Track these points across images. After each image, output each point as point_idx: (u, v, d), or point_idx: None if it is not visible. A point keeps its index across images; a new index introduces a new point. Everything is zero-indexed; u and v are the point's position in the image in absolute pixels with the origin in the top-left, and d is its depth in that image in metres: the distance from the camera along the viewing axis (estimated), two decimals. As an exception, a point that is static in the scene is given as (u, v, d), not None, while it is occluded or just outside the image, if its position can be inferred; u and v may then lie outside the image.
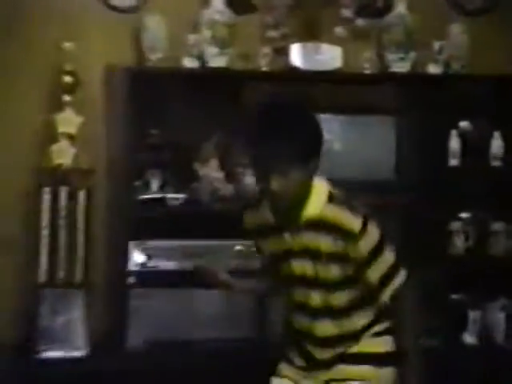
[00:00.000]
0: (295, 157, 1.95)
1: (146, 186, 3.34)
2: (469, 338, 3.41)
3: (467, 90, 3.49)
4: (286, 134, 1.95)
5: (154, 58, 3.28)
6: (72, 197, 3.23)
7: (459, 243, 3.46)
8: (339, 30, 3.39)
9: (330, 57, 3.36)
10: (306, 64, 3.36)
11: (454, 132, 3.45)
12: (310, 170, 2.01)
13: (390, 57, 3.47)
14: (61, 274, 3.21)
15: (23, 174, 3.30)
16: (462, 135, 3.45)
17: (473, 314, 3.42)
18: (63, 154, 3.24)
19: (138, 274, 3.24)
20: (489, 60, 3.52)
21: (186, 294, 3.24)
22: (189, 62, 3.28)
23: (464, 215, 3.49)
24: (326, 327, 2.11)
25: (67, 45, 3.24)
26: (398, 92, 3.49)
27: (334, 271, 2.05)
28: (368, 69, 3.43)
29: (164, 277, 3.24)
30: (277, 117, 2.00)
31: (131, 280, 3.23)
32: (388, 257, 2.07)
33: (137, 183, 3.32)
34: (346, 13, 3.39)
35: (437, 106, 3.45)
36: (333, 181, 2.05)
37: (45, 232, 3.20)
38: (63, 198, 3.22)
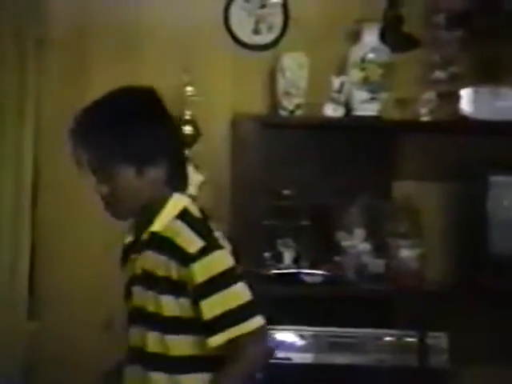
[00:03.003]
0: (121, 156, 1.86)
1: (277, 259, 3.08)
2: None
3: None
4: (112, 124, 1.87)
5: (290, 104, 3.01)
6: None
7: None
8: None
9: (513, 103, 3.06)
10: (482, 113, 3.02)
11: None
12: (152, 177, 1.89)
13: None
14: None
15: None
16: None
17: None
18: None
19: (265, 366, 2.98)
20: None
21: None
22: (331, 110, 3.01)
23: None
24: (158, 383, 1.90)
25: (188, 89, 3.01)
26: None
27: (166, 304, 1.86)
28: None
29: (298, 372, 2.94)
30: (106, 104, 1.91)
31: (258, 375, 2.96)
32: (238, 294, 1.85)
33: (266, 255, 3.08)
34: (537, 47, 3.05)
35: None
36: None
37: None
38: None
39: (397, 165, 3.15)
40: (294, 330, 2.99)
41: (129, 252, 2.02)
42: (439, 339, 2.98)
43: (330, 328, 2.99)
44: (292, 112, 3.03)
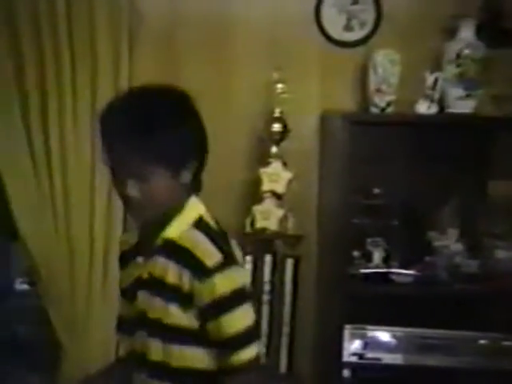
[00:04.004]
0: (159, 159, 1.76)
1: (366, 258, 3.04)
2: None
3: None
4: (149, 126, 1.75)
5: (382, 101, 2.95)
6: (277, 267, 2.99)
7: None
8: None
9: None
10: None
11: None
12: (183, 180, 1.82)
13: None
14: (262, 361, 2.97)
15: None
16: None
17: None
18: (268, 217, 3.00)
19: (354, 366, 2.93)
20: None
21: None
22: (425, 107, 2.93)
23: None
24: None
25: (279, 86, 2.98)
26: None
27: (172, 313, 1.81)
28: None
29: (387, 373, 2.89)
30: (140, 105, 1.78)
31: (346, 373, 2.92)
32: (248, 315, 1.82)
33: (355, 254, 3.03)
34: None
35: None
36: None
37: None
38: (267, 268, 2.99)
39: (493, 163, 3.06)
40: (384, 329, 2.95)
41: (131, 253, 1.95)
42: (537, 343, 2.93)
43: (422, 329, 2.94)
44: (383, 109, 2.97)
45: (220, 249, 1.80)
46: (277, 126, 3.03)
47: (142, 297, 1.88)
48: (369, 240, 3.06)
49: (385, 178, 3.07)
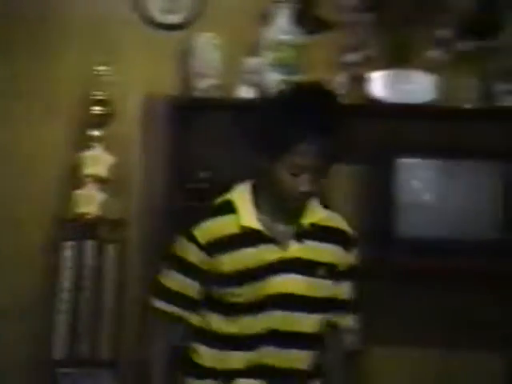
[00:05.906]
0: (336, 154, 1.91)
1: None
2: None
3: None
4: (334, 125, 1.90)
5: (203, 85, 3.00)
6: (99, 253, 3.00)
7: None
8: (435, 54, 3.05)
9: (422, 87, 3.02)
10: (392, 95, 3.02)
11: None
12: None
13: (498, 88, 3.06)
14: (83, 348, 2.97)
15: (40, 225, 3.08)
16: None
17: None
18: (90, 201, 3.01)
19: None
20: None
21: None
22: (244, 91, 3.01)
23: None
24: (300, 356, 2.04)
25: (99, 68, 2.99)
26: (508, 132, 3.10)
27: (325, 288, 2.01)
28: (470, 102, 3.04)
29: None
30: (326, 104, 1.93)
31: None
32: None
33: None
34: (444, 33, 3.04)
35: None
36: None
37: (65, 295, 2.96)
38: (89, 253, 2.99)
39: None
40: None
41: (246, 240, 1.99)
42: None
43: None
44: (205, 93, 3.00)
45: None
46: (98, 109, 3.02)
47: (285, 278, 1.97)
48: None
49: (209, 162, 3.11)
